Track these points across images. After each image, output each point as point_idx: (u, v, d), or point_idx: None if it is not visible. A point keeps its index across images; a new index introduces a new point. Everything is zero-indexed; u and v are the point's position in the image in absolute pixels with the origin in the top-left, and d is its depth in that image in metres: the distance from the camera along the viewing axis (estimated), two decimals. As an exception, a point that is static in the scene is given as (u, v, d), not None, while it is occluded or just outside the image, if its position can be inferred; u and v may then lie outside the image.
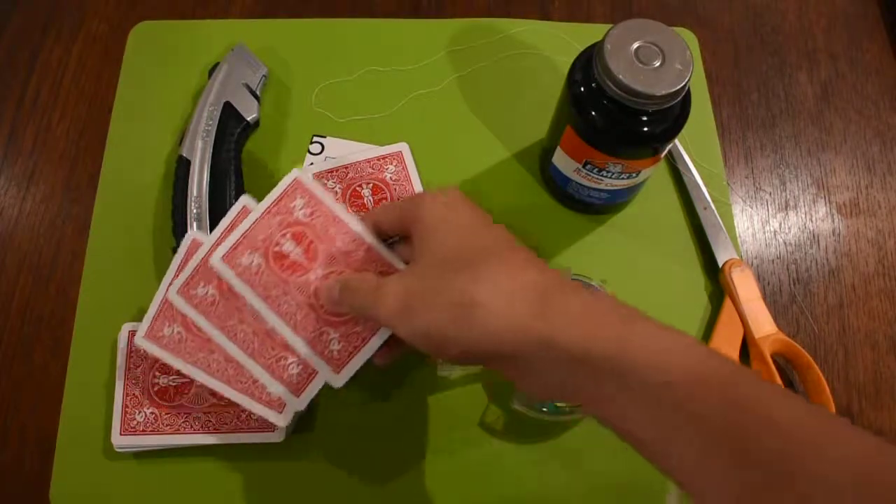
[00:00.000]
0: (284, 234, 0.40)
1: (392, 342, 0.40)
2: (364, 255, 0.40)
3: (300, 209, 0.41)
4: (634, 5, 0.64)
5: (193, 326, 0.42)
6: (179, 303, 0.41)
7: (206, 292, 0.41)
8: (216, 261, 0.40)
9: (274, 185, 0.54)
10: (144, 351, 0.43)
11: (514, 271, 0.33)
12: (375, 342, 0.39)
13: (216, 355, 0.42)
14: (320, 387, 0.40)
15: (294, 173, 0.42)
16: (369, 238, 0.41)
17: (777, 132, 0.59)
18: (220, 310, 0.41)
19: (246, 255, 0.40)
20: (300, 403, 0.40)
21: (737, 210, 0.56)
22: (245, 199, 0.42)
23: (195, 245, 0.44)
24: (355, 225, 0.41)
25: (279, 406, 0.41)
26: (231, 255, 0.40)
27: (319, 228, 0.41)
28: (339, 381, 0.39)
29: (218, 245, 0.40)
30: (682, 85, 0.42)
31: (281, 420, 0.41)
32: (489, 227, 0.36)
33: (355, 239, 0.41)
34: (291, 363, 0.40)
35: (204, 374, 0.42)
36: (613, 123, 0.44)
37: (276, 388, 0.40)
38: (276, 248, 0.40)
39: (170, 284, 0.43)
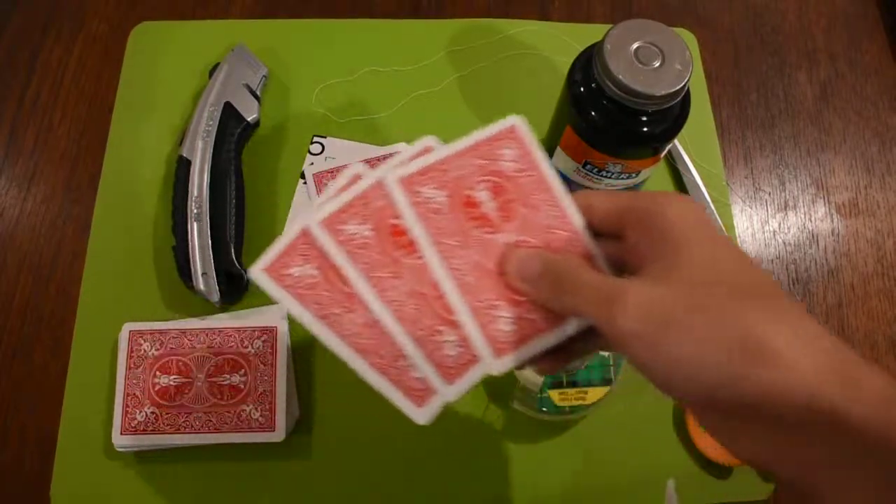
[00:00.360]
0: (482, 182, 0.33)
1: (564, 347, 0.33)
2: (567, 237, 0.33)
3: (509, 160, 0.34)
4: (634, 5, 0.64)
5: (333, 272, 0.32)
6: (322, 236, 0.32)
7: (360, 231, 0.32)
8: (391, 179, 0.32)
9: (273, 184, 0.54)
10: (265, 284, 0.32)
11: (808, 322, 0.27)
12: (549, 339, 0.32)
13: (354, 315, 0.32)
14: (479, 377, 0.32)
15: (512, 119, 0.35)
16: (577, 219, 0.34)
17: (776, 132, 0.59)
18: (373, 255, 0.32)
19: (428, 187, 0.32)
20: (452, 393, 0.32)
21: (736, 210, 0.56)
22: (429, 140, 0.35)
23: (356, 178, 0.34)
24: (566, 200, 0.34)
25: (423, 395, 0.32)
26: (410, 182, 0.32)
27: (524, 189, 0.34)
28: (499, 366, 0.32)
29: (396, 168, 0.33)
30: (681, 85, 0.42)
31: (421, 416, 0.32)
32: (747, 256, 0.31)
33: (562, 216, 0.34)
34: (449, 341, 0.32)
35: (333, 335, 0.32)
36: (613, 123, 0.44)
37: (426, 370, 0.32)
38: (468, 192, 0.33)
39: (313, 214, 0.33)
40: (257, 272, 0.32)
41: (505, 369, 0.32)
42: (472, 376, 0.32)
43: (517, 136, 0.35)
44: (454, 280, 0.32)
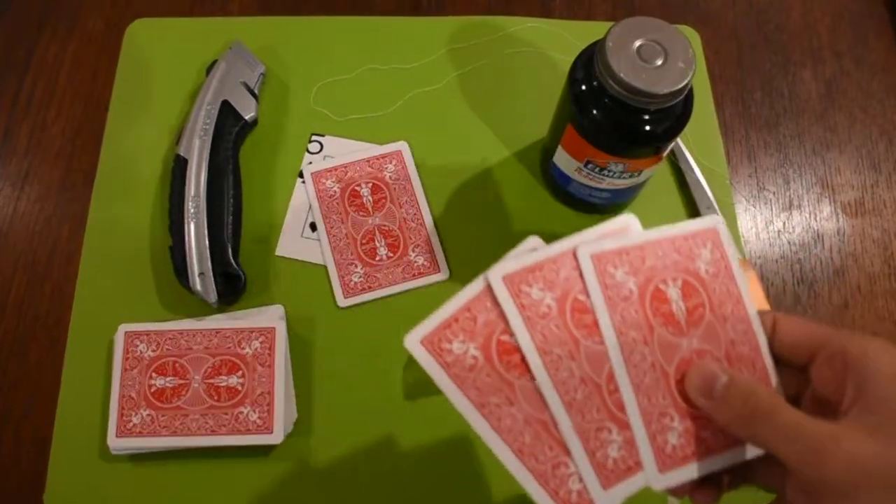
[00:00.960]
0: (676, 278, 0.32)
1: (728, 476, 0.32)
2: (749, 356, 0.32)
3: (705, 261, 0.33)
4: (636, 3, 0.63)
5: (499, 353, 0.30)
6: (502, 292, 0.30)
7: (543, 298, 0.30)
8: (584, 253, 0.31)
9: (271, 184, 0.54)
10: (417, 355, 0.30)
11: None
12: (717, 462, 0.31)
13: (515, 409, 0.29)
14: (637, 489, 0.30)
15: (714, 219, 0.34)
16: (763, 341, 0.33)
17: (781, 131, 0.59)
18: (552, 328, 0.30)
19: (621, 270, 0.31)
20: (606, 501, 0.29)
21: (740, 209, 0.56)
22: (628, 218, 0.33)
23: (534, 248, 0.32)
24: (755, 317, 0.33)
25: None
26: (603, 259, 0.31)
27: (715, 296, 0.33)
28: (661, 482, 0.30)
29: (590, 243, 0.31)
30: (684, 83, 0.41)
31: None
32: None
33: (748, 333, 0.32)
34: (614, 441, 0.30)
35: (492, 430, 0.29)
36: (615, 122, 0.44)
37: (584, 469, 0.30)
38: (661, 286, 0.32)
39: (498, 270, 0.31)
40: (413, 343, 0.29)
41: (666, 486, 0.30)
42: (631, 486, 0.30)
43: (716, 238, 0.33)
44: (631, 376, 0.30)
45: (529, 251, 0.32)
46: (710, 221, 0.33)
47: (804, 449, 0.28)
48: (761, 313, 0.33)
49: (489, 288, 0.30)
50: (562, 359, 0.30)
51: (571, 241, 0.32)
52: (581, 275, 0.31)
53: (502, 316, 0.30)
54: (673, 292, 0.32)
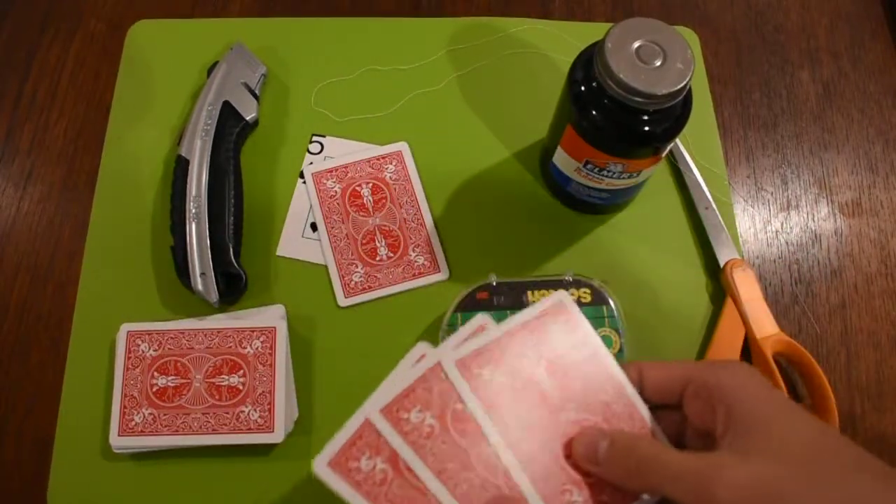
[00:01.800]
0: (540, 361, 0.33)
1: None
2: (624, 411, 0.34)
3: (562, 339, 0.34)
4: (635, 4, 0.63)
5: (403, 465, 0.31)
6: (384, 427, 0.31)
7: (424, 419, 0.31)
8: (448, 361, 0.31)
9: (272, 184, 0.54)
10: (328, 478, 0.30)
11: None
12: None
13: (472, 473, 0.31)
14: None
15: (559, 294, 0.35)
16: (631, 391, 0.34)
17: (779, 131, 0.59)
18: (439, 445, 0.31)
19: (487, 368, 0.32)
20: None
21: (738, 210, 0.56)
22: (481, 318, 0.34)
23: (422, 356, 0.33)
24: (620, 373, 0.34)
25: None
26: (467, 364, 0.32)
27: (579, 367, 0.34)
28: None
29: (453, 349, 0.32)
30: (683, 84, 0.41)
31: None
32: (821, 422, 0.32)
33: (615, 385, 0.34)
34: None
35: (444, 489, 0.30)
36: (614, 123, 0.44)
37: None
38: (529, 375, 0.33)
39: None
40: (321, 467, 0.29)
41: None
42: None
43: (566, 312, 0.35)
44: (524, 467, 0.31)
45: (411, 366, 0.33)
46: (556, 297, 0.35)
47: (691, 485, 0.29)
48: (626, 366, 0.34)
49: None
50: (458, 472, 0.31)
51: (434, 356, 0.32)
52: (453, 385, 0.32)
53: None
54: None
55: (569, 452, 0.32)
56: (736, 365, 0.33)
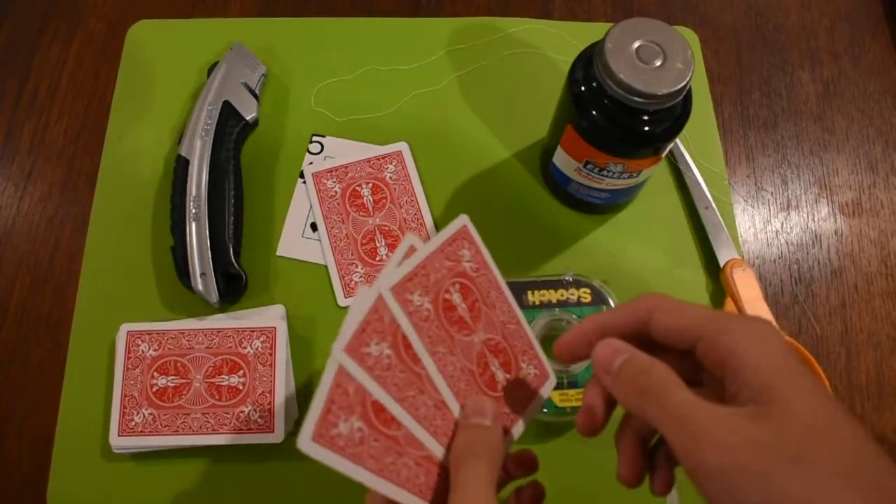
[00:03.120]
0: (454, 283, 0.34)
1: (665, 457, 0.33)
2: (516, 330, 0.36)
3: (467, 261, 0.35)
4: (635, 4, 0.63)
5: (376, 408, 0.31)
6: (355, 371, 0.31)
7: (381, 351, 0.32)
8: (385, 289, 0.32)
9: (272, 184, 0.54)
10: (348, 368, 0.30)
11: None
12: (520, 428, 0.35)
13: (426, 397, 0.32)
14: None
15: (462, 219, 0.36)
16: (524, 320, 0.36)
17: (779, 131, 0.59)
18: (398, 375, 0.32)
19: (416, 293, 0.33)
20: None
21: (738, 210, 0.56)
22: (411, 238, 0.35)
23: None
24: (509, 295, 0.36)
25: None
26: (401, 289, 0.33)
27: (483, 288, 0.35)
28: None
29: (387, 276, 0.33)
30: (683, 84, 0.41)
31: None
32: (836, 402, 0.31)
33: (512, 315, 0.36)
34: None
35: (412, 419, 0.32)
36: (614, 123, 0.44)
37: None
38: (447, 297, 0.34)
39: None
40: (306, 443, 0.29)
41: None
42: None
43: (469, 235, 0.36)
44: (451, 386, 0.33)
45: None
46: (460, 222, 0.36)
47: (686, 434, 0.28)
48: (645, 296, 0.33)
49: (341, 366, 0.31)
50: (416, 397, 0.32)
51: (376, 289, 0.33)
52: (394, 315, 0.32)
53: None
54: (456, 297, 0.34)
55: (483, 371, 0.34)
56: (752, 324, 0.31)
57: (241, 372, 0.46)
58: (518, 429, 0.35)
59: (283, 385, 0.46)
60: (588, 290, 0.49)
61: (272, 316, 0.49)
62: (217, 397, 0.46)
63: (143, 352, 0.47)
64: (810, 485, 0.26)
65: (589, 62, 0.44)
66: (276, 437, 0.45)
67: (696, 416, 0.29)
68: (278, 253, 0.52)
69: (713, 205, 0.54)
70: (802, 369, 0.30)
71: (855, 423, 0.29)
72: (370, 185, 0.54)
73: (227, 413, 0.45)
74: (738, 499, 0.27)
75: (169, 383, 0.46)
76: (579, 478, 0.47)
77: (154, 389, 0.46)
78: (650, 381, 0.30)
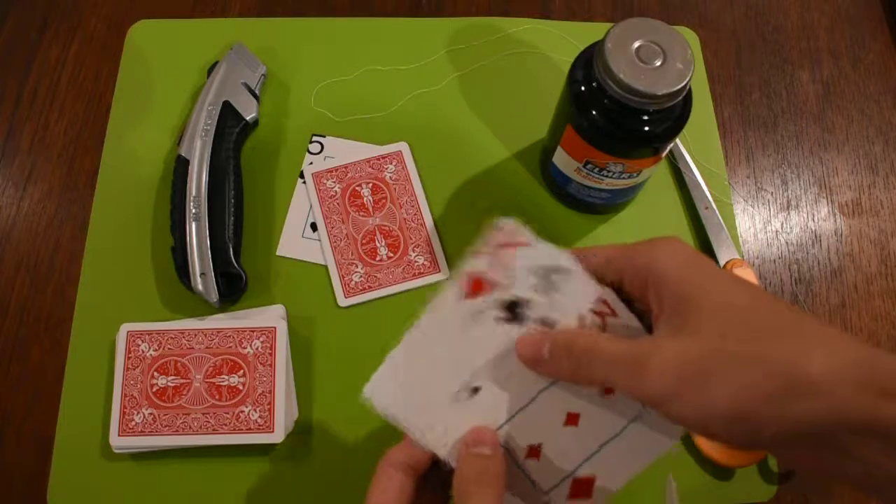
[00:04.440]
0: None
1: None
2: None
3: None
4: (635, 4, 0.63)
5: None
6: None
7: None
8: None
9: (272, 184, 0.54)
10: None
11: (837, 341, 0.28)
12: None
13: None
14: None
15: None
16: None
17: (779, 131, 0.59)
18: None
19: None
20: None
21: (738, 210, 0.56)
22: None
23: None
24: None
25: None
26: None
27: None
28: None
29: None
30: (683, 84, 0.41)
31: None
32: (752, 284, 0.31)
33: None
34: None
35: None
36: (614, 123, 0.44)
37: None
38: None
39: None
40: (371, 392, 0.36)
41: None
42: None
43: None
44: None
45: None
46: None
47: (625, 371, 0.29)
48: (579, 251, 0.34)
49: None
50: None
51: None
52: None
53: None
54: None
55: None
56: (662, 242, 0.32)
57: (241, 372, 0.46)
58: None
59: (283, 385, 0.46)
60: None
61: (272, 316, 0.49)
62: (217, 397, 0.46)
63: (143, 352, 0.47)
64: (740, 375, 0.27)
65: (589, 62, 0.44)
66: (276, 437, 0.45)
67: (629, 352, 0.29)
68: (278, 253, 0.52)
69: (713, 205, 0.54)
70: (715, 267, 0.31)
71: (778, 302, 0.29)
72: (370, 185, 0.54)
73: (227, 413, 0.45)
74: (702, 412, 0.28)
75: (169, 383, 0.46)
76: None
77: (154, 389, 0.46)
78: (579, 351, 0.31)
